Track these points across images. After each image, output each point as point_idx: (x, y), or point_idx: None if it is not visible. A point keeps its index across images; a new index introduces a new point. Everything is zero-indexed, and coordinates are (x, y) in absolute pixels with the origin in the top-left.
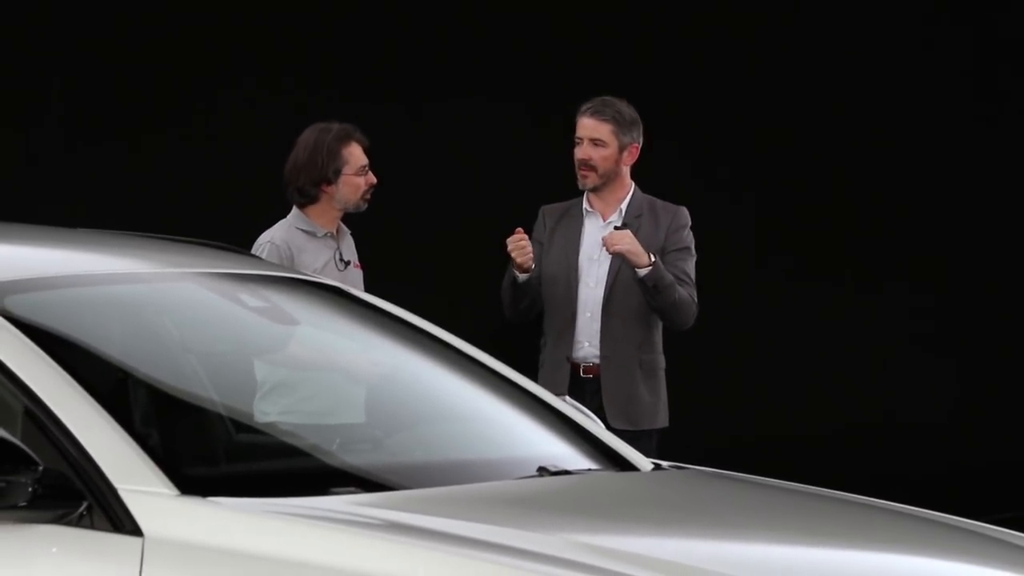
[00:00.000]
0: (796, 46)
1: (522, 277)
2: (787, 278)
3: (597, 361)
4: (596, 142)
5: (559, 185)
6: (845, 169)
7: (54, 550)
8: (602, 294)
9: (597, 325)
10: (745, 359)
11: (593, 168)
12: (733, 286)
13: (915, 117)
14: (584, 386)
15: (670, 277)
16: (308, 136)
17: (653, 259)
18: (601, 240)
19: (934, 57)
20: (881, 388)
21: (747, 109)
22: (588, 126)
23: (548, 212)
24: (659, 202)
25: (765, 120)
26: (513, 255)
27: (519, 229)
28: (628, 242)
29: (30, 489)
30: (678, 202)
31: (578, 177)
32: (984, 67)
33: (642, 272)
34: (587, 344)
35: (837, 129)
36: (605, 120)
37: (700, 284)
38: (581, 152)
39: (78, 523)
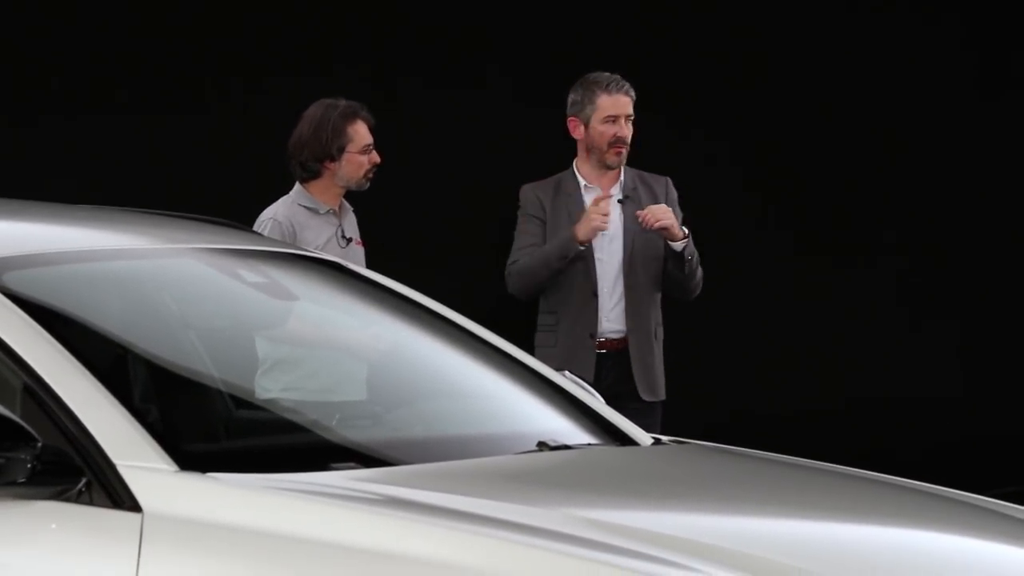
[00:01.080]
0: (791, 33)
1: (582, 248)
2: (787, 253)
3: (615, 335)
4: (630, 118)
5: (558, 162)
6: (847, 144)
7: (53, 526)
8: (620, 268)
9: (616, 299)
10: (743, 334)
11: (627, 145)
12: (732, 260)
13: (914, 94)
14: (602, 361)
15: (695, 251)
16: (314, 111)
17: (687, 232)
18: (636, 216)
19: (933, 35)
20: (881, 363)
21: (744, 84)
22: (626, 104)
23: (539, 189)
24: (645, 174)
25: (764, 96)
26: (595, 223)
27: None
28: (669, 217)
29: (29, 465)
30: (677, 176)
31: (608, 155)
32: (982, 46)
33: (679, 246)
34: (606, 320)
35: (839, 106)
36: (632, 97)
37: (701, 256)
38: (621, 130)
39: (77, 499)
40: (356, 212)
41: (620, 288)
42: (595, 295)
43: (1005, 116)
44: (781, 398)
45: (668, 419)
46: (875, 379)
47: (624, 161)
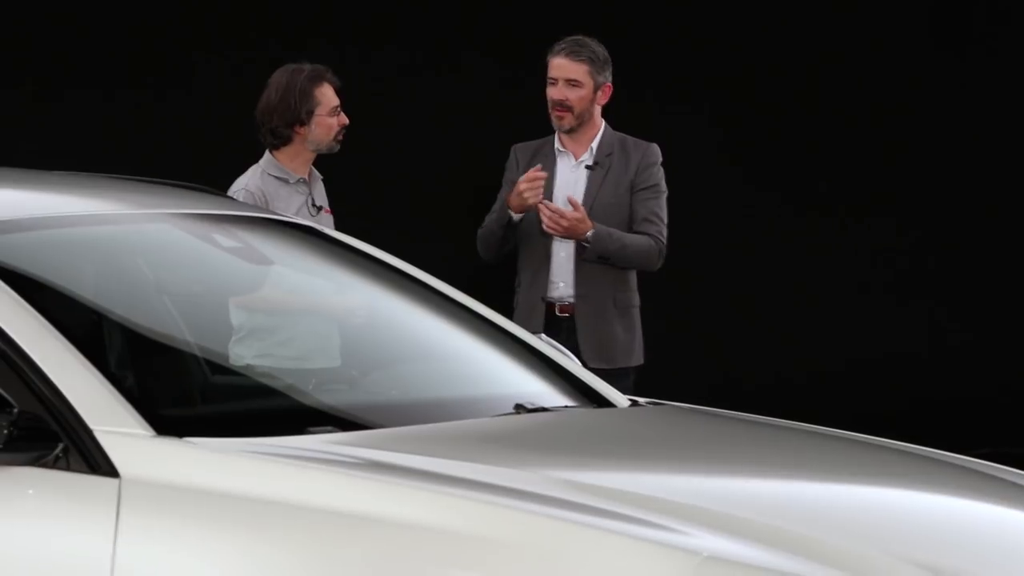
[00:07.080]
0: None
1: (517, 217)
2: (765, 216)
3: (572, 300)
4: (572, 83)
5: (530, 127)
6: (828, 108)
7: (30, 492)
8: None
9: (572, 264)
10: (721, 298)
11: (569, 109)
12: (711, 224)
13: (894, 54)
14: (560, 325)
15: (616, 242)
16: (280, 77)
17: (589, 238)
18: (573, 183)
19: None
20: (857, 325)
21: (728, 42)
22: (564, 67)
23: (520, 150)
24: (630, 139)
25: (747, 55)
26: (525, 194)
27: (539, 167)
28: (562, 230)
29: (5, 432)
30: (654, 139)
31: (552, 118)
32: (959, 6)
33: (586, 245)
34: (562, 284)
35: (821, 68)
36: (580, 60)
37: (676, 223)
38: (557, 93)
39: (54, 465)
40: (325, 181)
41: (575, 253)
42: (548, 259)
43: (983, 77)
44: (759, 363)
45: (645, 384)
46: (850, 342)
47: (568, 126)
